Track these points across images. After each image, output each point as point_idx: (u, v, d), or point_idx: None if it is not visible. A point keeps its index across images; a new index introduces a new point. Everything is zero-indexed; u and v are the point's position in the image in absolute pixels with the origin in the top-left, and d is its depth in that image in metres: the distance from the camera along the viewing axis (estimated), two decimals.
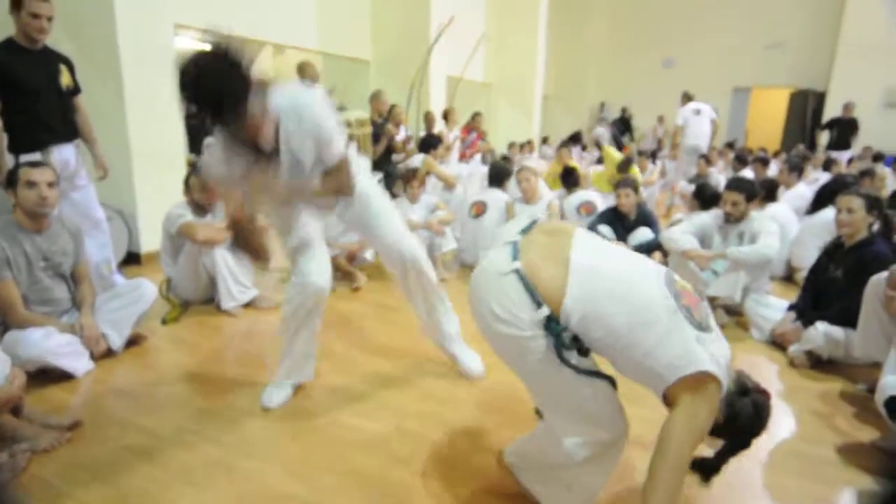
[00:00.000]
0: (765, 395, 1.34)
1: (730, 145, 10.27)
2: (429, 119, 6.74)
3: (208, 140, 2.18)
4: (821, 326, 2.55)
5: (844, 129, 8.67)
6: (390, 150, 5.64)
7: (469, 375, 2.40)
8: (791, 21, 11.64)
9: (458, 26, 7.00)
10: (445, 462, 1.82)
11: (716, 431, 1.30)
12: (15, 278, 2.24)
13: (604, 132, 11.55)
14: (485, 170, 5.70)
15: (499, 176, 4.37)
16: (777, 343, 2.83)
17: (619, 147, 7.28)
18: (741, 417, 1.29)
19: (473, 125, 7.68)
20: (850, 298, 2.42)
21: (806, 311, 2.72)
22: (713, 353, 1.23)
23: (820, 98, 11.37)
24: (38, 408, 2.00)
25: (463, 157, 7.37)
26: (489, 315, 1.30)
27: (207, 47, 1.52)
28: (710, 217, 3.49)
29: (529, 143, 9.77)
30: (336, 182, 1.94)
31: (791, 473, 1.83)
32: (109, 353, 2.51)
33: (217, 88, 1.47)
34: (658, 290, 1.27)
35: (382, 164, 5.35)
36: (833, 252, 2.74)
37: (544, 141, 11.53)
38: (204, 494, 1.66)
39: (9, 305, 2.22)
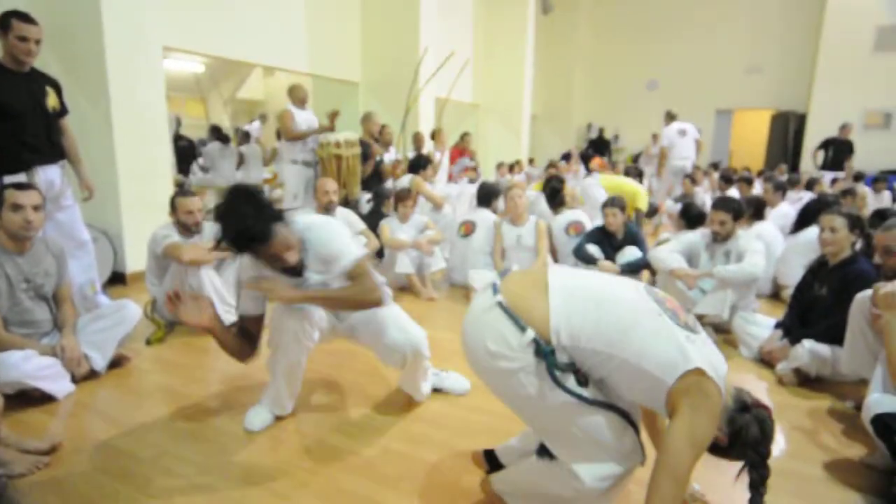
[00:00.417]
0: (766, 409, 1.33)
1: (714, 165, 10.44)
2: (418, 140, 6.79)
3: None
4: (807, 344, 2.56)
5: (840, 150, 8.81)
6: (379, 170, 5.67)
7: (458, 392, 2.41)
8: (771, 45, 11.96)
9: (445, 49, 7.10)
10: (434, 483, 1.79)
11: (723, 452, 1.30)
12: None
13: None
14: (473, 190, 5.73)
15: (487, 196, 4.40)
16: (765, 361, 2.84)
17: (586, 163, 7.49)
18: (744, 435, 1.26)
19: (462, 145, 7.75)
20: (835, 316, 2.44)
21: (793, 329, 2.74)
22: (707, 356, 1.23)
23: (801, 119, 11.64)
24: (14, 431, 1.95)
25: (451, 178, 7.42)
26: (484, 355, 1.31)
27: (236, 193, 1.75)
28: (697, 236, 3.53)
29: (518, 163, 9.86)
30: (359, 289, 1.94)
31: (780, 491, 1.82)
32: (92, 374, 2.47)
33: (246, 228, 1.69)
34: (639, 295, 1.31)
35: (371, 183, 5.37)
36: (817, 270, 2.78)
37: (530, 162, 11.65)
38: None
39: None
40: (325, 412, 2.27)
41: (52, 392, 2.25)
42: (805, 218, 4.13)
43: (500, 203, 4.54)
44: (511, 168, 9.39)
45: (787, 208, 5.15)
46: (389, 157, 6.05)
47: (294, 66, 6.40)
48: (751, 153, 13.00)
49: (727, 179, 6.61)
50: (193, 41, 5.02)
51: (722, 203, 3.38)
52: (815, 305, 2.70)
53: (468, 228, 4.25)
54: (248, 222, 1.68)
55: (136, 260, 4.00)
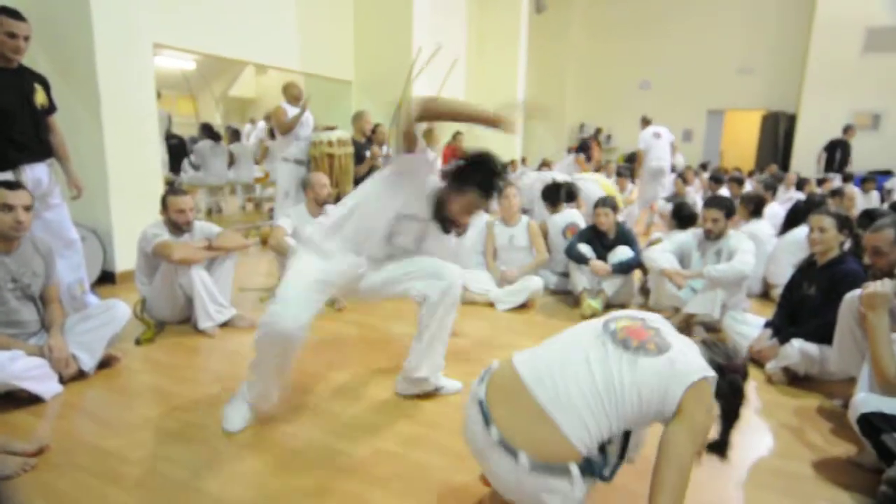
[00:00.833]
0: (739, 372, 1.40)
1: (703, 166, 10.51)
2: (409, 138, 6.76)
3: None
4: (796, 343, 2.59)
5: (846, 152, 8.85)
6: (374, 168, 5.65)
7: (450, 392, 2.42)
8: (762, 46, 12.04)
9: (439, 49, 7.09)
10: (425, 483, 1.79)
11: None
12: None
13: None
14: None
15: None
16: (755, 360, 2.86)
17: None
18: (721, 399, 1.36)
19: (455, 145, 7.75)
20: (824, 315, 2.46)
21: (782, 328, 2.76)
22: (687, 363, 1.28)
23: (791, 120, 11.74)
24: (1, 433, 1.93)
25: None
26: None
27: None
28: (688, 236, 3.57)
29: (513, 162, 9.86)
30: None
31: (769, 489, 1.83)
32: (80, 375, 2.44)
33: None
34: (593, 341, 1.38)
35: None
36: (806, 270, 2.80)
37: (523, 161, 11.66)
38: None
39: None
40: (315, 412, 2.26)
41: (39, 393, 2.22)
42: (794, 218, 4.16)
43: (493, 202, 4.52)
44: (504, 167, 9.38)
45: (777, 208, 5.19)
46: (383, 153, 6.03)
47: (286, 65, 6.37)
48: (742, 153, 13.10)
49: (717, 180, 6.66)
50: (184, 39, 4.98)
51: (714, 201, 3.44)
52: (804, 305, 2.72)
53: None
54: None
55: (125, 259, 3.97)
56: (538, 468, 1.26)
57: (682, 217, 4.11)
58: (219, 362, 2.84)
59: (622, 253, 3.81)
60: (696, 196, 7.11)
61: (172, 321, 3.19)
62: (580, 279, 3.80)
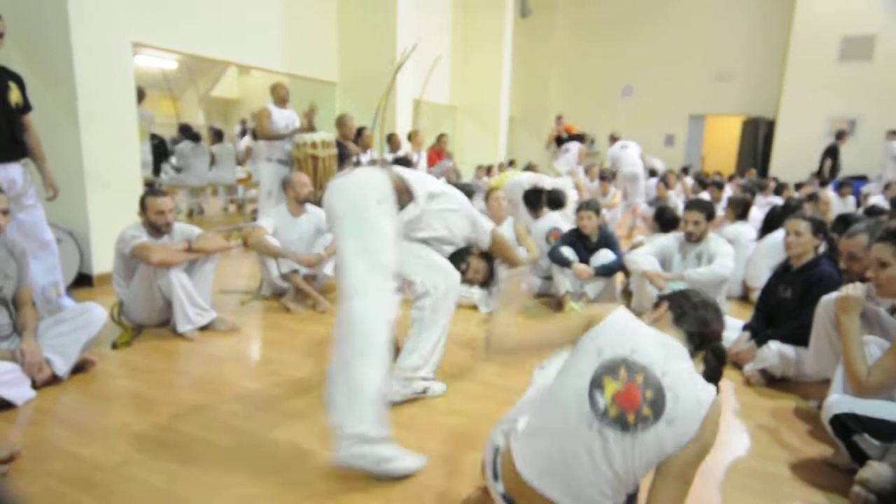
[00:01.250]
0: (714, 333, 1.41)
1: (685, 170, 10.64)
2: (393, 141, 6.76)
3: None
4: (773, 345, 2.63)
5: (835, 157, 9.01)
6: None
7: (433, 395, 2.42)
8: (741, 53, 12.26)
9: (422, 49, 7.09)
10: (405, 486, 1.78)
11: None
12: None
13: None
14: None
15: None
16: (733, 362, 2.90)
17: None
18: (705, 364, 1.41)
19: (439, 147, 7.75)
20: (799, 318, 2.51)
21: (759, 331, 2.80)
22: (684, 415, 1.25)
23: (770, 125, 11.95)
24: None
25: None
26: None
27: None
28: (670, 239, 3.62)
29: (500, 165, 9.91)
30: None
31: (746, 490, 1.85)
32: (54, 379, 2.39)
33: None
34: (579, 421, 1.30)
35: None
36: (782, 273, 2.85)
37: (510, 164, 11.72)
38: None
39: None
40: (294, 416, 2.24)
41: (10, 398, 2.17)
42: (772, 222, 4.23)
43: (479, 202, 4.54)
44: (489, 170, 9.42)
45: (755, 212, 5.27)
46: (366, 158, 6.01)
47: (269, 65, 6.32)
48: (723, 158, 13.32)
49: (702, 183, 6.75)
50: (165, 38, 4.92)
51: (696, 204, 3.51)
52: (781, 307, 2.77)
53: None
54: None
55: (103, 261, 3.89)
56: None
57: (664, 220, 4.17)
58: (198, 366, 2.80)
59: (604, 256, 3.83)
60: (678, 200, 7.21)
61: (150, 324, 3.14)
62: (563, 282, 3.82)
